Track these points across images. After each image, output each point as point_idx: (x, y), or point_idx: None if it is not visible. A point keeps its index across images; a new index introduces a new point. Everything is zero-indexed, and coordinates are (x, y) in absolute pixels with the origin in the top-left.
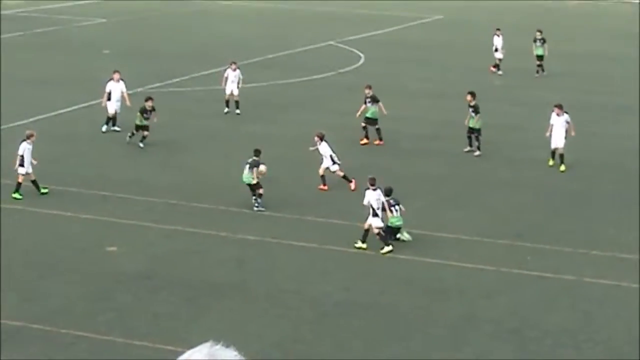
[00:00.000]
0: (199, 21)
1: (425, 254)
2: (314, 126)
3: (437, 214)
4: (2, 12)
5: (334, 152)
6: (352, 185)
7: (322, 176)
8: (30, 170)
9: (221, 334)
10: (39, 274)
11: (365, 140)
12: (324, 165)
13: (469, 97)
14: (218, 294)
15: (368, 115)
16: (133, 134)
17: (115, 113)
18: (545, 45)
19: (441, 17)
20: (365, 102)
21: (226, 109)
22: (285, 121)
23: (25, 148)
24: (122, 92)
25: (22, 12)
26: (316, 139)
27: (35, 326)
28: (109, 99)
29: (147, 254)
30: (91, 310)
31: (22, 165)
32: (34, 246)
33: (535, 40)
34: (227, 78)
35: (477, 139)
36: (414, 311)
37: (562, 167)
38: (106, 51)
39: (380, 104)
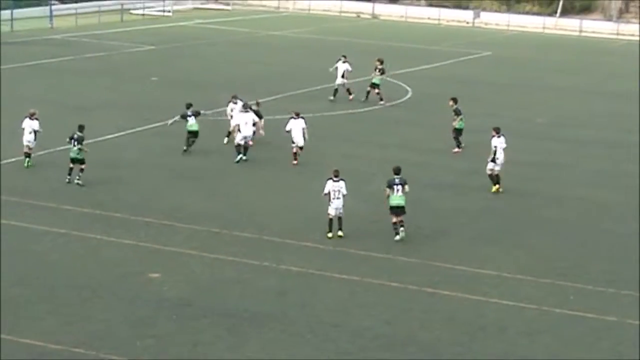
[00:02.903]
0: (245, 51)
1: (466, 290)
2: (358, 159)
3: (480, 250)
4: (53, 37)
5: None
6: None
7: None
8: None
9: None
10: (81, 297)
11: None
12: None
13: (450, 102)
14: (258, 324)
15: None
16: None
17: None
18: (384, 75)
19: (489, 53)
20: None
21: (225, 139)
22: (329, 154)
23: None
24: (254, 121)
25: (72, 36)
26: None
27: (76, 350)
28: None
29: (189, 282)
30: (132, 335)
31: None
32: (77, 270)
33: (375, 69)
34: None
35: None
36: (453, 348)
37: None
38: (154, 78)
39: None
